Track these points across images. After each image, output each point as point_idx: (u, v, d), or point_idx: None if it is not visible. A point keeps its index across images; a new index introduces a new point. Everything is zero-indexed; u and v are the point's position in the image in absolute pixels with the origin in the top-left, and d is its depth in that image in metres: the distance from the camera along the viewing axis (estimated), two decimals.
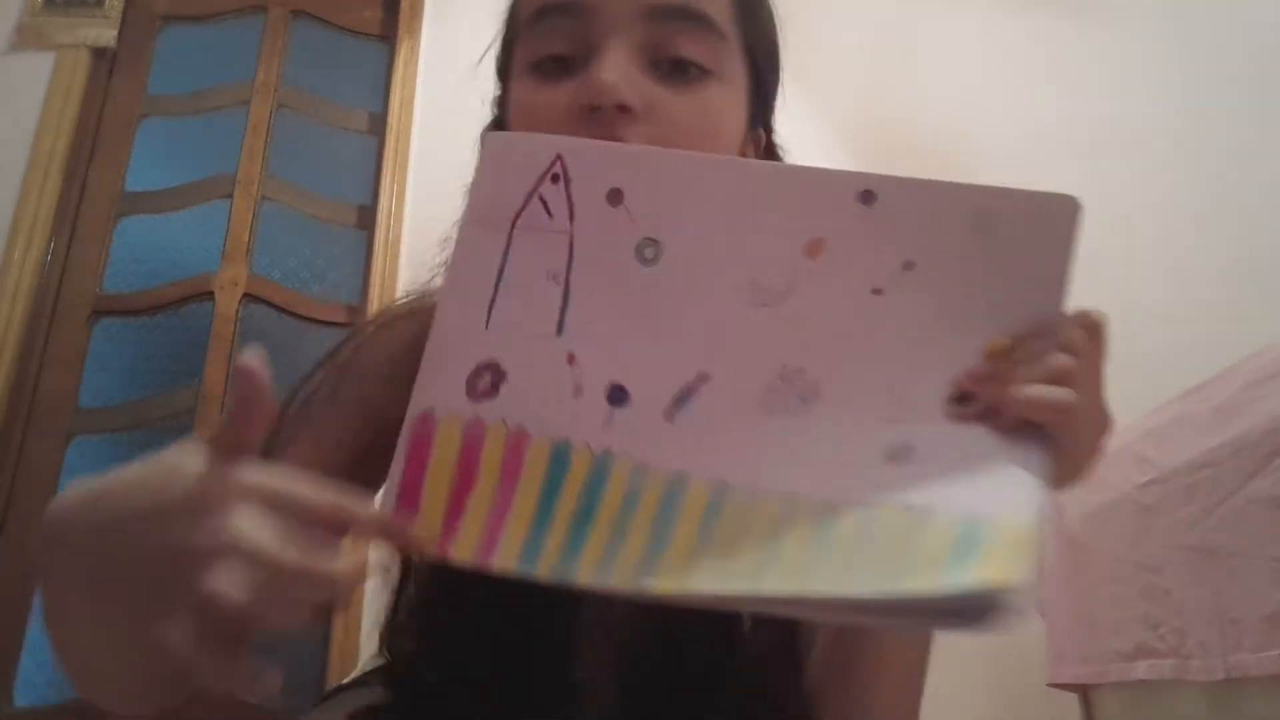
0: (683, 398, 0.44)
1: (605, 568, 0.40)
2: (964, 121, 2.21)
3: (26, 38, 2.29)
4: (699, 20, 0.54)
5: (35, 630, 1.90)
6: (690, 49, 0.54)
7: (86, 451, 2.05)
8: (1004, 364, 0.41)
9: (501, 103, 0.64)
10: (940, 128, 2.18)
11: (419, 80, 2.35)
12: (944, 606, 0.35)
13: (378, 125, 2.34)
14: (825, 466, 0.41)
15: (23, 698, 1.86)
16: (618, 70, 0.51)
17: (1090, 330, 0.42)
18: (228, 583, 0.32)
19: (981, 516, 0.36)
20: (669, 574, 0.39)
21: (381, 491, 0.43)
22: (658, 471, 0.42)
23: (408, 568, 0.62)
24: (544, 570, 0.40)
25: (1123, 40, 2.31)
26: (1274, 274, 2.00)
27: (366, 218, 2.26)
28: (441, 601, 0.57)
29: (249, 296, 2.18)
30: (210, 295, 2.17)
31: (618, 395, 0.44)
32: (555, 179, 0.46)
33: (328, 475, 0.53)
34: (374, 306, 2.12)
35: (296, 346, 2.17)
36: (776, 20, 0.62)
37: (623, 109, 0.51)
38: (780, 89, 0.63)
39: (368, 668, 0.66)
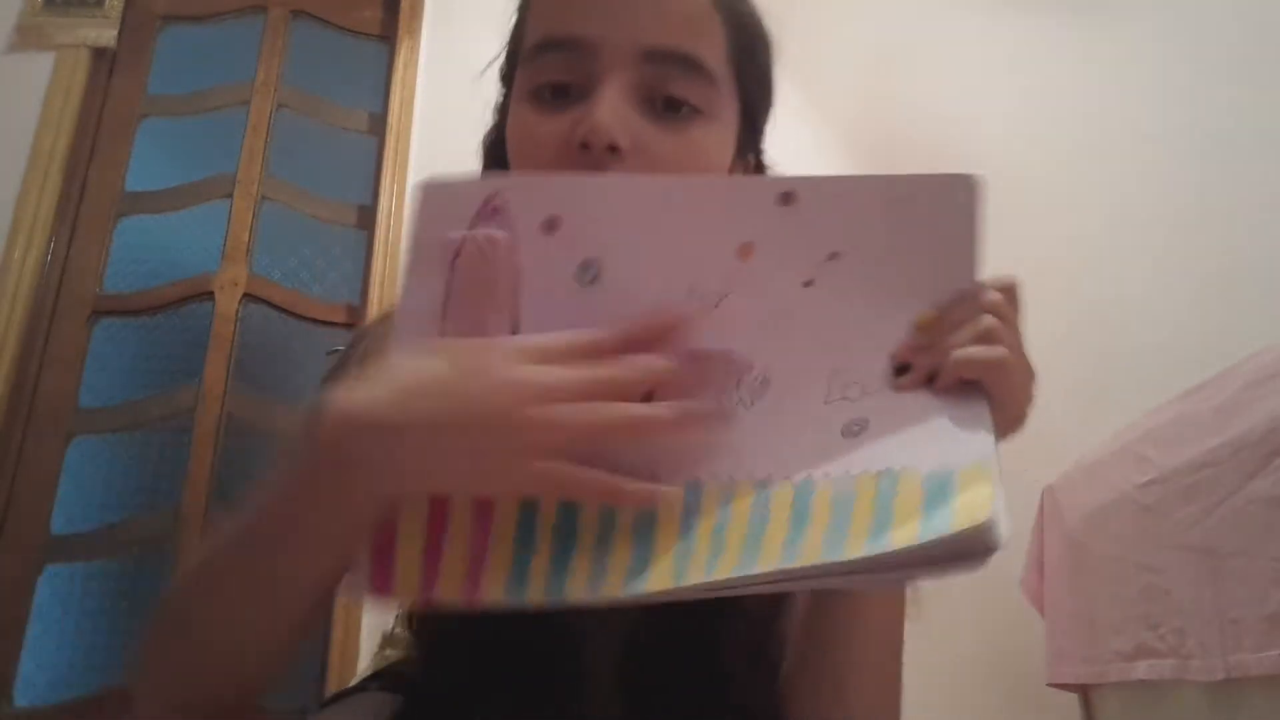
0: None
1: (595, 582, 0.42)
2: (963, 121, 2.21)
3: (26, 38, 2.29)
4: (693, 65, 0.56)
5: (35, 630, 1.90)
6: (682, 90, 0.56)
7: (86, 451, 2.05)
8: (934, 333, 0.45)
9: (503, 110, 0.65)
10: (939, 128, 2.18)
11: (419, 80, 2.35)
12: (929, 554, 0.38)
13: (378, 125, 2.34)
14: (788, 451, 0.44)
15: (23, 698, 1.86)
16: (611, 111, 0.54)
17: (1008, 292, 0.46)
18: (566, 417, 0.40)
19: (944, 468, 0.40)
20: (659, 575, 0.41)
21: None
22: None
23: None
24: (534, 595, 0.42)
25: (1123, 40, 2.31)
26: (1274, 274, 2.00)
27: (366, 218, 2.26)
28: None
29: (249, 296, 2.18)
30: (210, 295, 2.17)
31: None
32: (494, 213, 0.47)
33: None
34: (374, 307, 2.12)
35: (296, 346, 2.17)
36: (773, 54, 0.64)
37: (612, 149, 0.54)
38: (772, 117, 0.65)
39: (365, 675, 0.66)
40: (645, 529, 0.42)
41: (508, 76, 0.64)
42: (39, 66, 2.26)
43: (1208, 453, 1.20)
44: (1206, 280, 2.04)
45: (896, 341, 0.45)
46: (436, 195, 0.49)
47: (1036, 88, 2.30)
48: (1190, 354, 1.56)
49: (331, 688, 1.80)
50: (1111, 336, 1.91)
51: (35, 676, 1.88)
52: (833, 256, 0.46)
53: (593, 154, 0.53)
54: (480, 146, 0.66)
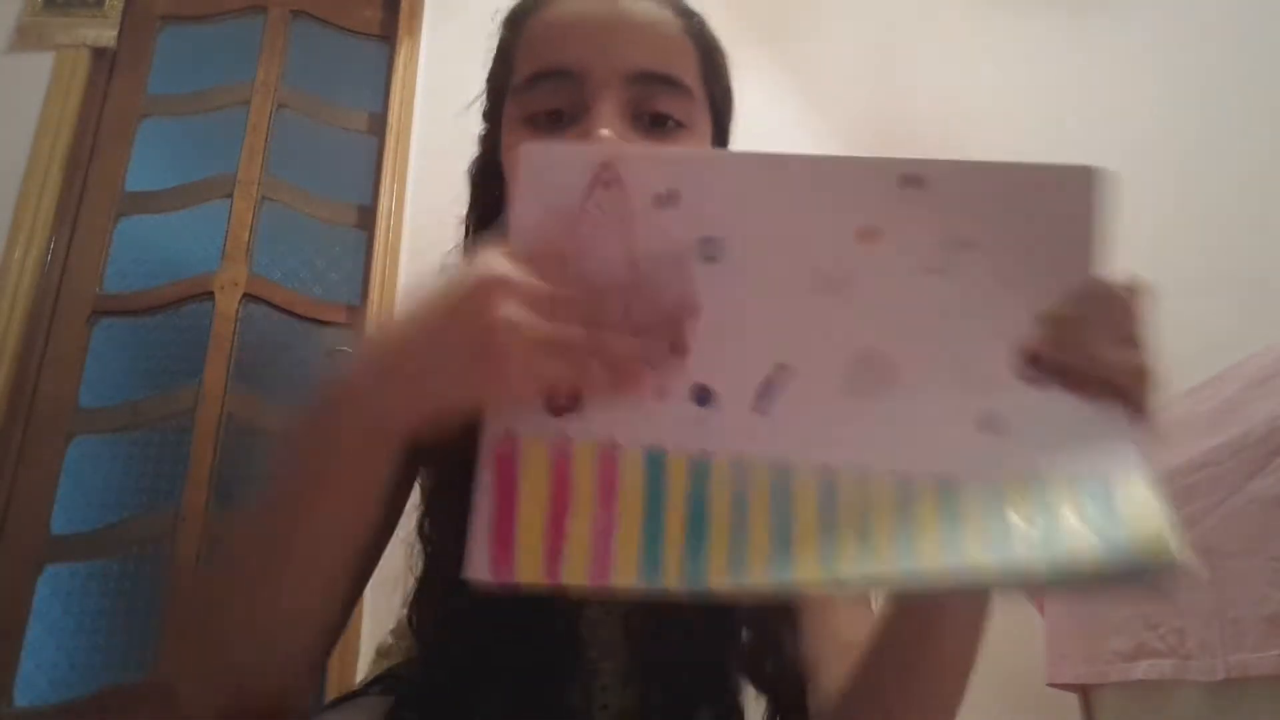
0: (766, 390, 0.44)
1: (737, 568, 0.41)
2: (961, 122, 2.21)
3: (26, 38, 2.29)
4: (674, 83, 0.62)
5: (35, 630, 1.90)
6: (667, 106, 0.61)
7: (86, 451, 2.05)
8: (1066, 329, 0.44)
9: (488, 141, 0.69)
10: (938, 129, 2.18)
11: (419, 80, 2.35)
12: (1108, 574, 0.38)
13: (378, 125, 2.34)
14: (923, 442, 0.43)
15: (23, 698, 1.86)
16: (609, 128, 0.58)
17: (1143, 294, 0.45)
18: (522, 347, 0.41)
19: (1098, 479, 0.40)
20: (807, 564, 0.40)
21: (471, 516, 0.43)
22: (759, 465, 0.43)
23: (423, 574, 0.63)
24: (671, 581, 0.41)
25: (1121, 38, 2.31)
26: (1274, 274, 2.00)
27: (366, 218, 2.26)
28: (448, 607, 0.58)
29: (249, 296, 2.18)
30: (210, 295, 2.17)
31: (702, 395, 0.44)
32: (608, 185, 0.45)
33: None
34: (374, 307, 2.12)
35: (296, 346, 2.17)
36: (731, 73, 0.70)
37: None
38: (734, 124, 0.71)
39: (366, 680, 0.67)
40: (782, 512, 0.42)
41: (491, 113, 0.68)
42: (39, 66, 2.26)
43: (1208, 453, 1.20)
44: (1206, 280, 2.04)
45: (1018, 333, 0.44)
46: (543, 161, 0.47)
47: (1035, 87, 2.30)
48: (1190, 354, 1.55)
49: (331, 692, 1.79)
50: None
51: (35, 676, 1.88)
52: (965, 245, 0.45)
53: None
54: (467, 176, 0.70)
